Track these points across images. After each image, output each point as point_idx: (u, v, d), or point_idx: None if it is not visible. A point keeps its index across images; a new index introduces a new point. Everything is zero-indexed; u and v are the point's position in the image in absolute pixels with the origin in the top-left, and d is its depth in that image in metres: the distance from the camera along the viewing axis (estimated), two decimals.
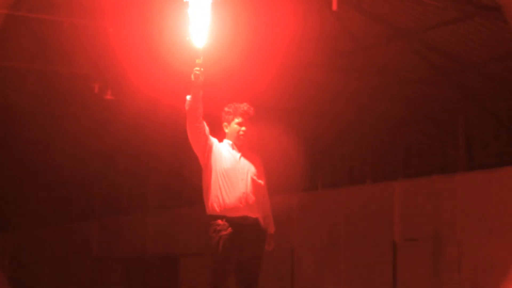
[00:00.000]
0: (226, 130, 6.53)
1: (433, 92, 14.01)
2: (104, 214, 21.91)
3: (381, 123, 15.42)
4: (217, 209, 6.28)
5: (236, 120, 6.46)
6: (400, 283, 13.85)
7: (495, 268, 12.40)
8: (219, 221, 6.26)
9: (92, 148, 18.75)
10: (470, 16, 11.54)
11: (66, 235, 22.67)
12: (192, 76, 6.07)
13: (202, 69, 6.07)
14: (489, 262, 12.54)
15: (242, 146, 6.50)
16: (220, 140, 6.51)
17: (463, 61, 12.94)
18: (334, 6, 9.98)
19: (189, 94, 6.16)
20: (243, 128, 6.46)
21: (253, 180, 6.39)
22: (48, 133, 17.95)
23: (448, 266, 13.14)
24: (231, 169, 6.34)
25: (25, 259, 24.05)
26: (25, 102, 15.56)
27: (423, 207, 13.74)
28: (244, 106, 6.48)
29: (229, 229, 6.24)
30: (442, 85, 13.66)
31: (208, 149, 6.35)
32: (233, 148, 6.46)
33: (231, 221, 6.25)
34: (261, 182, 6.47)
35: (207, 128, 6.34)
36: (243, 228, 6.27)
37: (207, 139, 6.34)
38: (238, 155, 6.44)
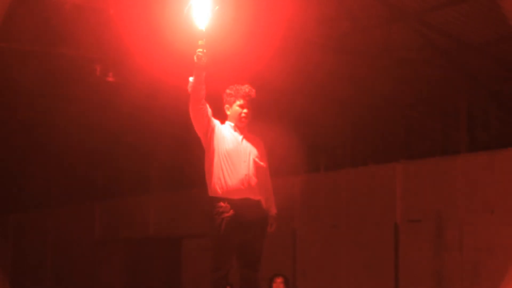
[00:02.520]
0: (228, 112, 6.53)
1: (435, 73, 13.98)
2: (106, 196, 21.91)
3: (383, 104, 15.40)
4: (219, 191, 6.29)
5: (238, 102, 6.46)
6: (402, 264, 13.89)
7: (496, 248, 12.45)
8: (221, 203, 6.28)
9: (95, 130, 18.73)
10: None
11: (68, 217, 22.69)
12: (195, 58, 6.08)
13: (204, 50, 6.07)
14: (490, 243, 12.58)
15: (244, 128, 6.51)
16: (222, 122, 6.52)
17: (465, 42, 12.90)
18: None
19: (191, 75, 6.17)
20: (245, 110, 6.46)
21: (255, 162, 6.40)
22: (51, 115, 17.91)
23: (450, 246, 13.18)
24: (233, 151, 6.35)
25: (28, 241, 24.10)
26: (28, 83, 15.52)
27: (425, 188, 13.77)
28: (246, 88, 6.48)
29: (231, 211, 6.25)
30: (444, 66, 13.63)
31: (210, 130, 6.36)
32: (235, 130, 6.47)
33: (233, 203, 6.26)
34: (263, 164, 6.48)
35: (209, 110, 6.34)
36: (245, 210, 6.29)
37: (209, 120, 6.34)
38: (240, 137, 6.45)
